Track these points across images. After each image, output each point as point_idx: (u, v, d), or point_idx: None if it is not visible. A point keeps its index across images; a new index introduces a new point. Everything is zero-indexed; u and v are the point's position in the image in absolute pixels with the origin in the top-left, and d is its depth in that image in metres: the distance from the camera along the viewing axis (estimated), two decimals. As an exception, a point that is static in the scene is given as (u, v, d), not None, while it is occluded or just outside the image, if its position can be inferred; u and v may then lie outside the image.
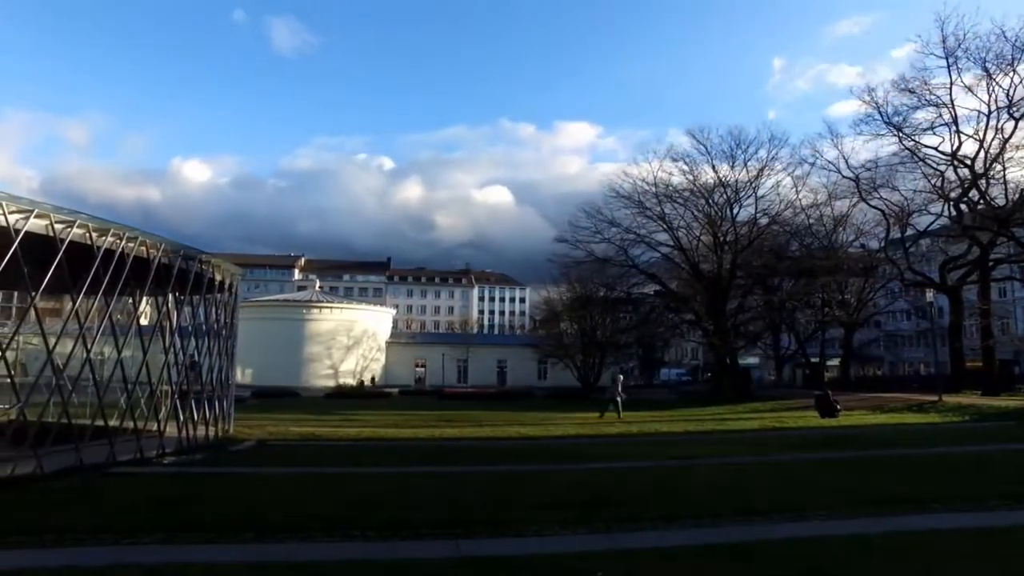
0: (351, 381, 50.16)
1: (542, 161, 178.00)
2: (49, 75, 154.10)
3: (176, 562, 5.45)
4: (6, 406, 11.60)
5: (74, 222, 11.18)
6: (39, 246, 10.41)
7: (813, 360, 53.84)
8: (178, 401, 15.18)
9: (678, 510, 7.42)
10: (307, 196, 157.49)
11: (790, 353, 56.63)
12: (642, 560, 5.53)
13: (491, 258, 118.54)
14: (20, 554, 5.72)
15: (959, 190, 36.49)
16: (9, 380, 11.02)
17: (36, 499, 8.51)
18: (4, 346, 11.21)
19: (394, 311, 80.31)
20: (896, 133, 36.66)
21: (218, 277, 16.73)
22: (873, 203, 40.79)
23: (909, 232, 41.00)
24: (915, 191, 38.76)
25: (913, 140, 36.67)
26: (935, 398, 27.62)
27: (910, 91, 35.12)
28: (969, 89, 33.81)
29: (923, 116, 35.91)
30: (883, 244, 43.29)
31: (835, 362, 61.16)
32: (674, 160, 45.08)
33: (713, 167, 44.52)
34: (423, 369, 63.81)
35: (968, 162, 35.22)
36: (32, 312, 11.13)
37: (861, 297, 49.97)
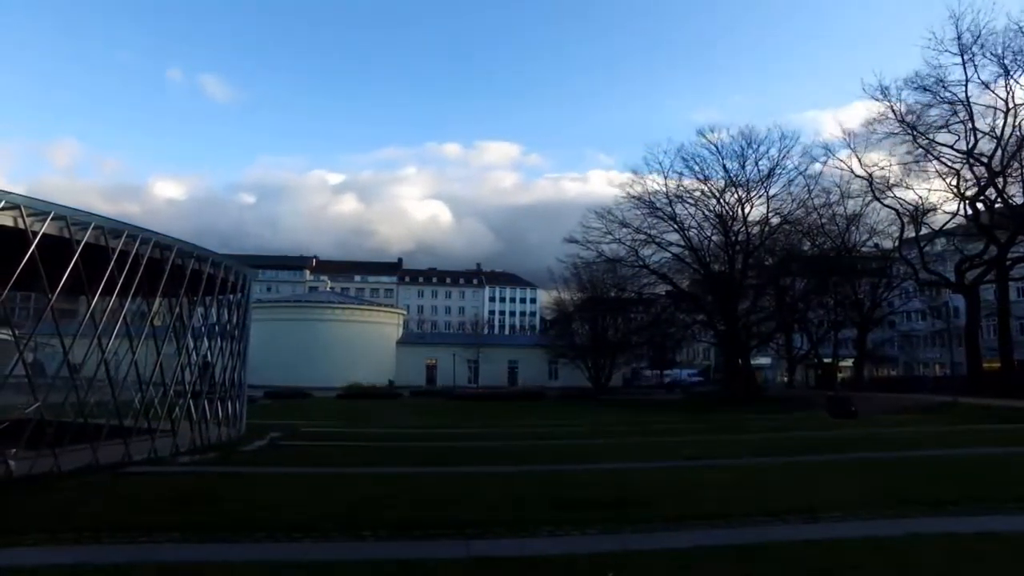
0: (362, 381, 50.33)
1: (472, 176, 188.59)
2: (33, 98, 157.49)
3: (191, 561, 5.51)
4: (26, 407, 11.75)
5: (90, 224, 11.31)
6: (56, 248, 10.55)
7: (826, 361, 53.40)
8: (191, 401, 15.32)
9: (691, 510, 7.39)
10: (260, 209, 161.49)
11: (803, 354, 56.20)
12: (654, 561, 5.51)
13: (434, 260, 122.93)
14: (39, 552, 5.81)
15: (975, 188, 36.06)
16: (27, 380, 11.18)
17: (54, 497, 8.62)
18: (22, 347, 11.37)
19: (405, 312, 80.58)
20: (910, 131, 36.29)
21: (230, 278, 16.87)
22: (886, 202, 40.45)
23: (924, 231, 40.59)
24: (930, 190, 38.40)
25: (927, 138, 36.30)
26: (951, 399, 27.28)
27: (924, 89, 34.76)
28: (986, 86, 33.45)
29: (937, 114, 35.54)
30: (897, 243, 42.88)
31: (848, 363, 60.60)
32: (684, 160, 44.99)
33: (724, 167, 44.35)
34: (434, 370, 63.94)
35: (985, 160, 34.79)
36: (49, 313, 11.29)
37: (875, 297, 49.49)
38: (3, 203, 9.77)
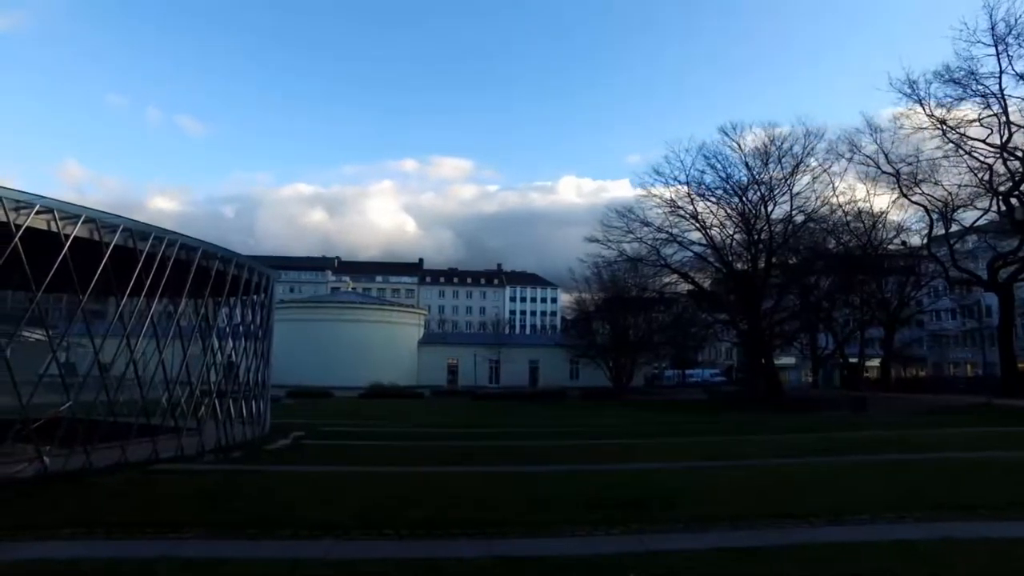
0: (384, 381, 50.71)
1: (433, 188, 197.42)
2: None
3: (217, 557, 5.60)
4: (60, 406, 12.07)
5: (118, 227, 11.57)
6: (86, 250, 10.81)
7: (852, 360, 52.44)
8: (216, 400, 15.58)
9: (715, 511, 7.31)
10: (242, 219, 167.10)
11: (828, 353, 55.26)
12: (675, 562, 5.46)
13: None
14: (73, 545, 5.98)
15: (1009, 183, 35.03)
16: (60, 379, 11.48)
17: (86, 493, 8.84)
18: (56, 347, 11.67)
19: (426, 312, 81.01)
20: (939, 126, 35.41)
21: (254, 279, 17.11)
22: (915, 199, 39.55)
23: (954, 228, 39.61)
24: (960, 185, 37.40)
25: (958, 132, 35.36)
26: (984, 401, 26.59)
27: (955, 82, 33.81)
28: (1021, 77, 32.40)
29: (969, 107, 34.59)
30: (926, 240, 41.92)
31: (875, 363, 59.45)
32: (706, 158, 44.48)
33: (746, 164, 43.75)
34: (455, 369, 64.18)
35: (1019, 154, 33.80)
36: (80, 314, 11.57)
37: (903, 296, 48.48)
38: (38, 207, 10.06)
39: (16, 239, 9.51)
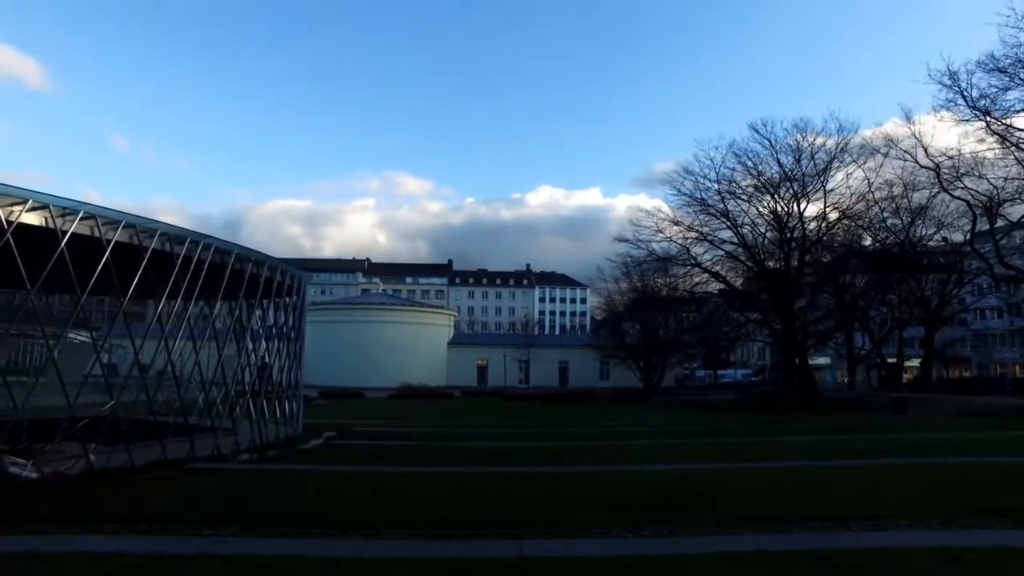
0: (414, 382, 51.16)
1: (400, 203, 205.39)
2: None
3: (253, 554, 5.72)
4: (103, 405, 12.47)
5: (156, 231, 11.91)
6: (126, 254, 11.15)
7: (890, 361, 50.97)
8: (251, 401, 15.90)
9: (747, 513, 7.18)
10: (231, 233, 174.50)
11: (864, 353, 53.82)
12: (707, 564, 5.38)
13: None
14: (117, 540, 6.20)
15: (1060, 176, 33.62)
16: (103, 379, 11.87)
17: (128, 490, 9.12)
18: (99, 348, 12.08)
19: (456, 312, 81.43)
20: (983, 117, 34.09)
21: (286, 281, 17.42)
22: (956, 193, 38.14)
23: (999, 223, 38.12)
24: (1006, 179, 35.85)
25: (1003, 124, 34.00)
26: (1032, 402, 25.57)
27: (1000, 71, 32.45)
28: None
29: (1016, 96, 33.18)
30: (968, 236, 40.49)
31: (915, 363, 57.69)
32: (737, 156, 43.74)
33: (778, 161, 42.87)
34: (485, 370, 64.39)
35: (1069, 144, 32.40)
36: (121, 316, 11.95)
37: (944, 293, 46.93)
38: (82, 213, 10.42)
39: (62, 244, 9.87)
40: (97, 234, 10.67)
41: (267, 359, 17.03)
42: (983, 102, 33.68)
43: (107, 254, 10.58)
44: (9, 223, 9.31)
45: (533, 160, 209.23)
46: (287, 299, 17.97)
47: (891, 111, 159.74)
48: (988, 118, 33.90)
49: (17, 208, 9.57)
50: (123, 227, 11.14)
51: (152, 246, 11.66)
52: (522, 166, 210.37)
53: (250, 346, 16.16)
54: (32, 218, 9.84)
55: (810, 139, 41.66)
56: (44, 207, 9.97)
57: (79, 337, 19.41)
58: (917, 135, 38.36)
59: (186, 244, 12.58)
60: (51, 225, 9.98)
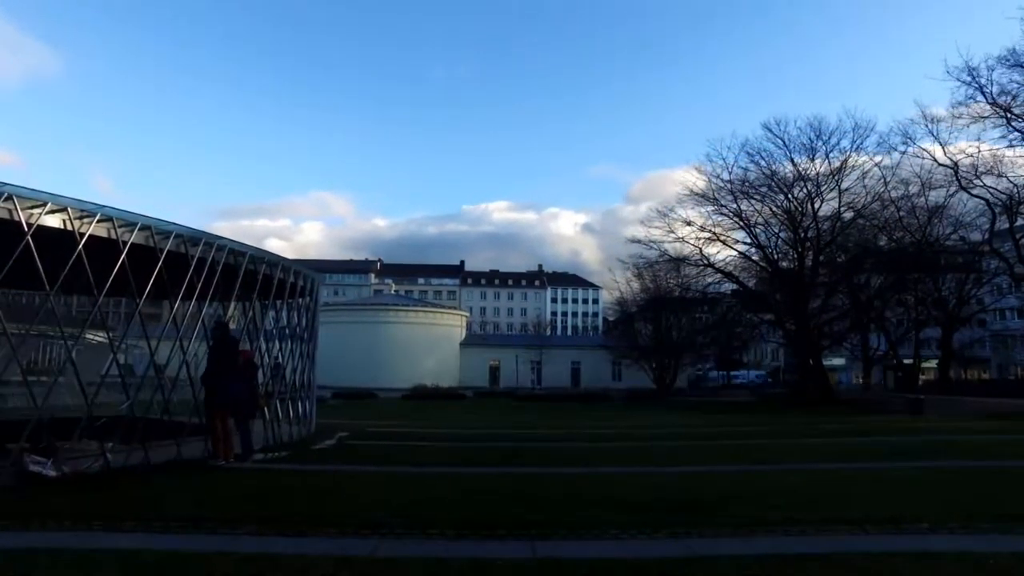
0: (427, 382, 51.29)
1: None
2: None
3: (269, 552, 5.74)
4: (120, 405, 12.61)
5: (171, 233, 12.02)
6: (141, 256, 11.27)
7: (906, 362, 50.36)
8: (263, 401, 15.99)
9: (764, 516, 7.10)
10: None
11: (880, 354, 53.19)
12: (724, 568, 5.32)
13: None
14: (136, 537, 6.26)
15: (1082, 174, 33.06)
16: (120, 379, 12.00)
17: (145, 488, 9.21)
18: (116, 348, 12.21)
19: (468, 313, 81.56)
20: (1003, 114, 33.61)
21: (299, 282, 17.52)
22: (975, 192, 37.70)
23: (1020, 222, 37.55)
24: (1028, 176, 35.44)
25: (1024, 120, 33.51)
26: (1053, 404, 25.14)
27: (1021, 66, 32.01)
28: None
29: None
30: (987, 236, 39.92)
31: (932, 364, 56.93)
32: (750, 155, 43.46)
33: (792, 160, 42.56)
34: (497, 371, 64.41)
35: (1092, 142, 31.86)
36: (137, 317, 12.07)
37: (961, 294, 46.31)
38: (99, 215, 10.54)
39: (80, 246, 9.98)
40: (114, 236, 10.79)
41: (280, 360, 17.12)
42: (1004, 98, 33.22)
43: (123, 255, 10.70)
44: (29, 225, 9.44)
45: (550, 169, 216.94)
46: (300, 300, 18.06)
47: (908, 109, 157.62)
48: (1009, 114, 33.43)
49: (37, 211, 9.71)
50: (139, 229, 11.25)
51: (168, 247, 11.77)
52: (539, 176, 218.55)
53: (264, 346, 16.26)
54: (52, 220, 9.97)
55: (824, 137, 41.33)
56: (63, 209, 10.10)
57: (96, 338, 19.66)
58: (935, 133, 37.93)
59: (200, 245, 12.68)
60: (70, 227, 10.11)
